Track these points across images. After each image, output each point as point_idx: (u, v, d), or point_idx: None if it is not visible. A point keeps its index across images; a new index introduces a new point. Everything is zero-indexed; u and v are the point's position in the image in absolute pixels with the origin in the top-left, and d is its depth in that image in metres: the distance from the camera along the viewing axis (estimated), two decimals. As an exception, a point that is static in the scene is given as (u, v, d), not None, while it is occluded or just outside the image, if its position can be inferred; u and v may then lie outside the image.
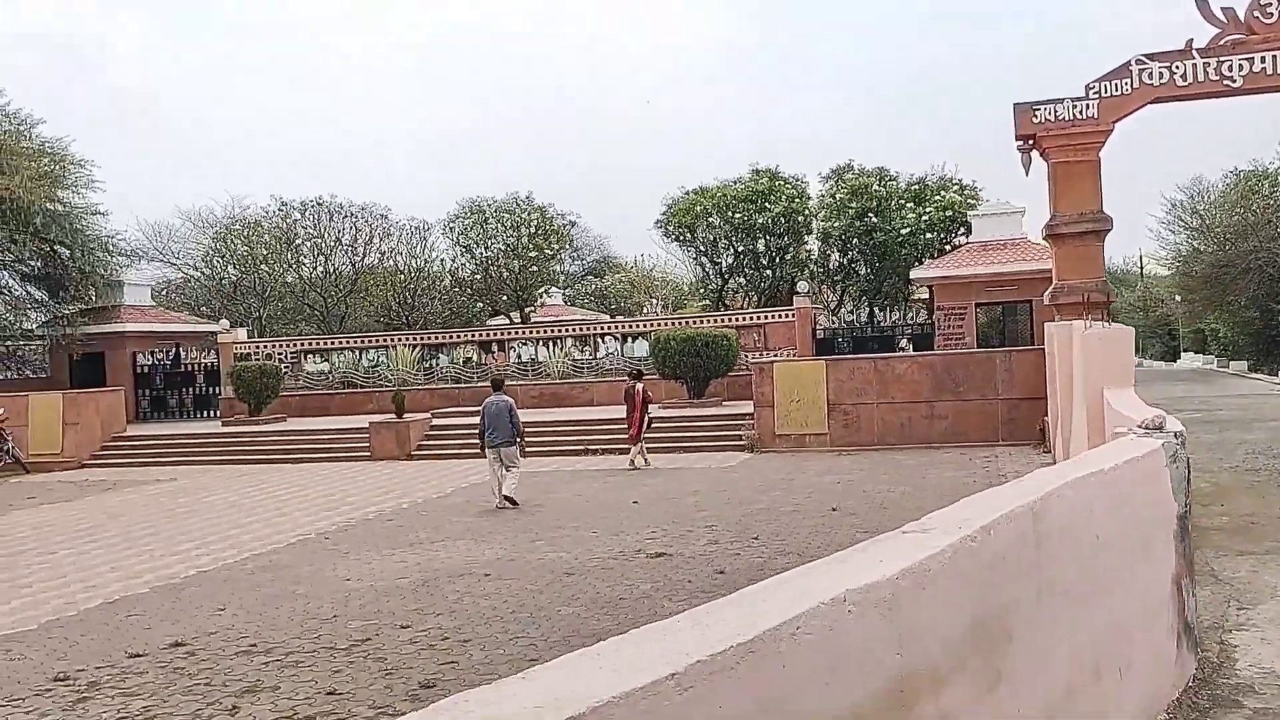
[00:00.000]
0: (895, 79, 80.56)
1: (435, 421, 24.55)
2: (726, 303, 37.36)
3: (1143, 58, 17.82)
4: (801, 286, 28.41)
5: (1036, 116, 18.29)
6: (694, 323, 27.64)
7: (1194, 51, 17.57)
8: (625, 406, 20.02)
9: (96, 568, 12.55)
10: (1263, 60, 17.20)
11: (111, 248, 32.43)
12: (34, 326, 32.33)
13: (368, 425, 23.66)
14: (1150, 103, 17.97)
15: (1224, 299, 35.89)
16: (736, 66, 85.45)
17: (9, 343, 31.96)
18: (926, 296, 33.09)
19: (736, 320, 28.09)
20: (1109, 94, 17.93)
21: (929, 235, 31.02)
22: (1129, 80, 17.83)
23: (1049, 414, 18.15)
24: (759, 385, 20.98)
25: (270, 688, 7.60)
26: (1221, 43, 17.49)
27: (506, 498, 15.22)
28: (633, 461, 19.31)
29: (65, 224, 29.77)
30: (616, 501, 15.52)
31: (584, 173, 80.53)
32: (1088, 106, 18.02)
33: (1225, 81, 17.41)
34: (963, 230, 31.33)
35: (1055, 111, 18.18)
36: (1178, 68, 17.57)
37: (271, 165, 77.65)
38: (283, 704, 7.25)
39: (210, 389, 32.12)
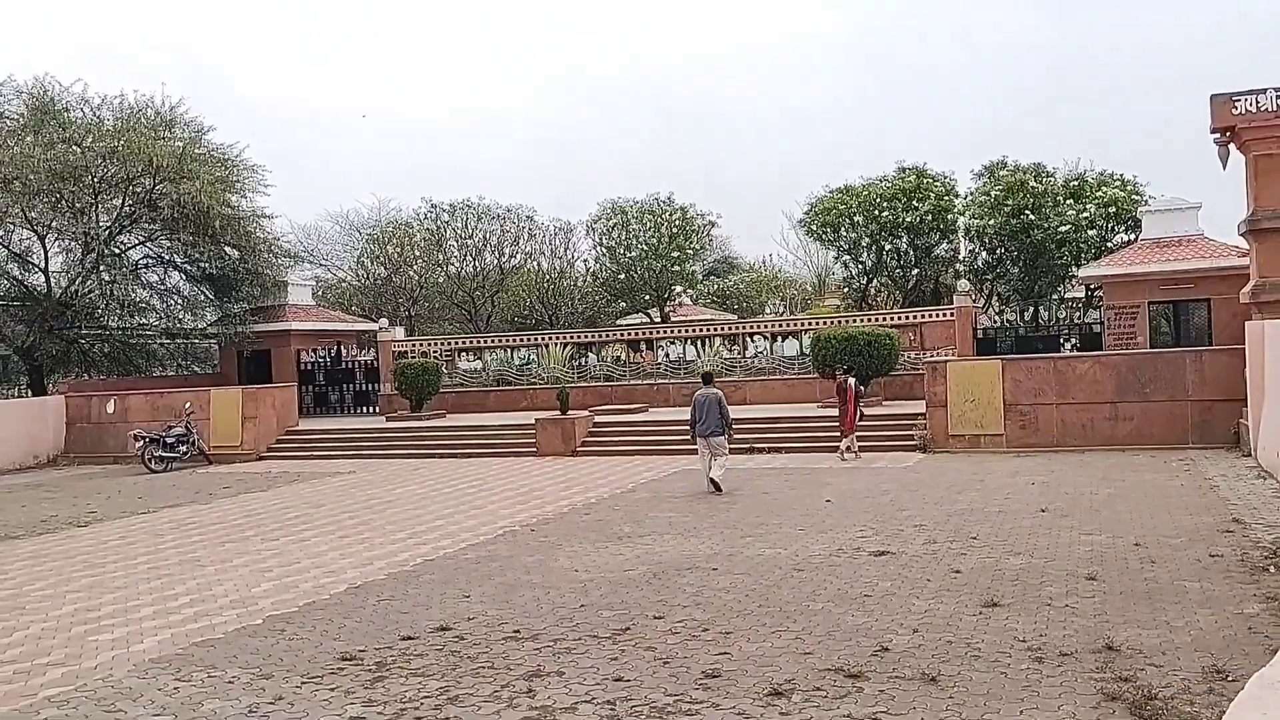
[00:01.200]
0: (1042, 71, 78.49)
1: (597, 418, 24.87)
2: (870, 302, 36.97)
3: (1354, 44, 17.00)
4: (962, 285, 27.91)
5: (1236, 108, 17.71)
6: (848, 322, 27.40)
7: None
8: (837, 400, 20.69)
9: (325, 554, 13.09)
10: None
11: (277, 249, 33.74)
12: (205, 325, 33.84)
13: (534, 421, 24.10)
14: (1361, 92, 17.19)
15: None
16: (868, 59, 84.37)
17: (183, 340, 33.52)
18: (1083, 295, 32.22)
19: (892, 320, 27.77)
20: (1316, 84, 17.21)
21: (1090, 233, 30.15)
22: (1338, 68, 17.04)
23: (1249, 416, 17.51)
24: (931, 385, 20.71)
25: (554, 672, 7.83)
26: None
27: (713, 481, 16.30)
28: (843, 454, 19.89)
29: (238, 227, 31.09)
30: (808, 500, 15.51)
31: (704, 171, 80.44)
32: (1292, 97, 17.33)
33: None
34: (1125, 227, 30.39)
35: (1257, 102, 17.59)
36: (1393, 54, 16.71)
37: (413, 170, 79.48)
38: (575, 688, 7.46)
39: (370, 385, 33.17)
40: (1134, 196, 30.21)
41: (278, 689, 7.80)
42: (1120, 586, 9.44)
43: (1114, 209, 29.85)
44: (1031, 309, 28.02)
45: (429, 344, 33.14)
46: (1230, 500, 13.62)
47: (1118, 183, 30.84)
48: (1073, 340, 25.95)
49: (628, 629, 8.94)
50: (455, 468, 22.22)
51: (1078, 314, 28.42)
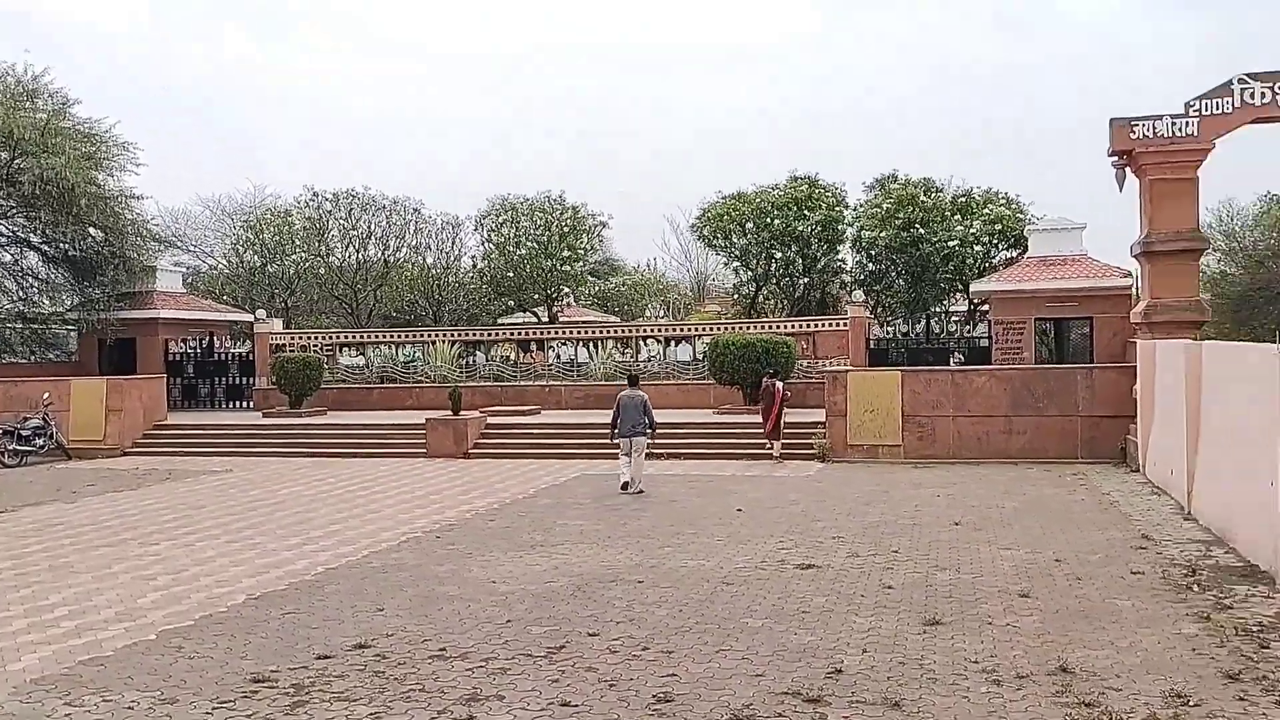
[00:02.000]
0: (935, 88, 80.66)
1: (490, 420, 24.17)
2: (758, 310, 37.15)
3: (1245, 77, 17.77)
4: (856, 296, 28.20)
5: (1134, 132, 18.22)
6: (744, 329, 27.36)
7: (1296, 74, 17.51)
8: (762, 403, 20.99)
9: (214, 560, 12.15)
10: (1366, 86, 17.15)
11: (145, 232, 31.81)
12: (64, 310, 31.68)
13: (424, 421, 23.24)
14: (1251, 122, 17.93)
15: (1253, 322, 35.95)
16: (757, 69, 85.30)
17: (37, 325, 31.31)
18: (966, 310, 33.03)
19: (786, 328, 27.87)
20: (1210, 112, 17.87)
21: (976, 248, 30.91)
22: (1230, 99, 17.80)
23: (1137, 433, 18.03)
24: (831, 394, 20.75)
25: (494, 696, 7.29)
26: (1325, 66, 17.41)
27: (629, 482, 16.74)
28: (778, 458, 20.52)
29: (104, 207, 29.14)
30: (717, 508, 15.24)
31: (588, 170, 79.99)
32: (1188, 124, 17.97)
33: (1328, 105, 17.35)
34: (1008, 244, 31.25)
35: (1154, 128, 18.12)
36: (1280, 89, 17.50)
37: (294, 156, 76.54)
38: (520, 713, 6.94)
39: (244, 379, 31.59)
40: (1019, 215, 31.11)
41: (185, 716, 7.03)
42: (1055, 604, 9.40)
43: (999, 226, 30.66)
44: (923, 321, 28.50)
45: (309, 337, 31.80)
46: (1132, 517, 13.90)
47: (1003, 201, 31.71)
48: (960, 354, 26.49)
49: (563, 647, 8.44)
50: (342, 468, 21.22)
51: (965, 328, 29.05)
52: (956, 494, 16.18)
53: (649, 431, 16.99)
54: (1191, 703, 6.84)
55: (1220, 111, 17.84)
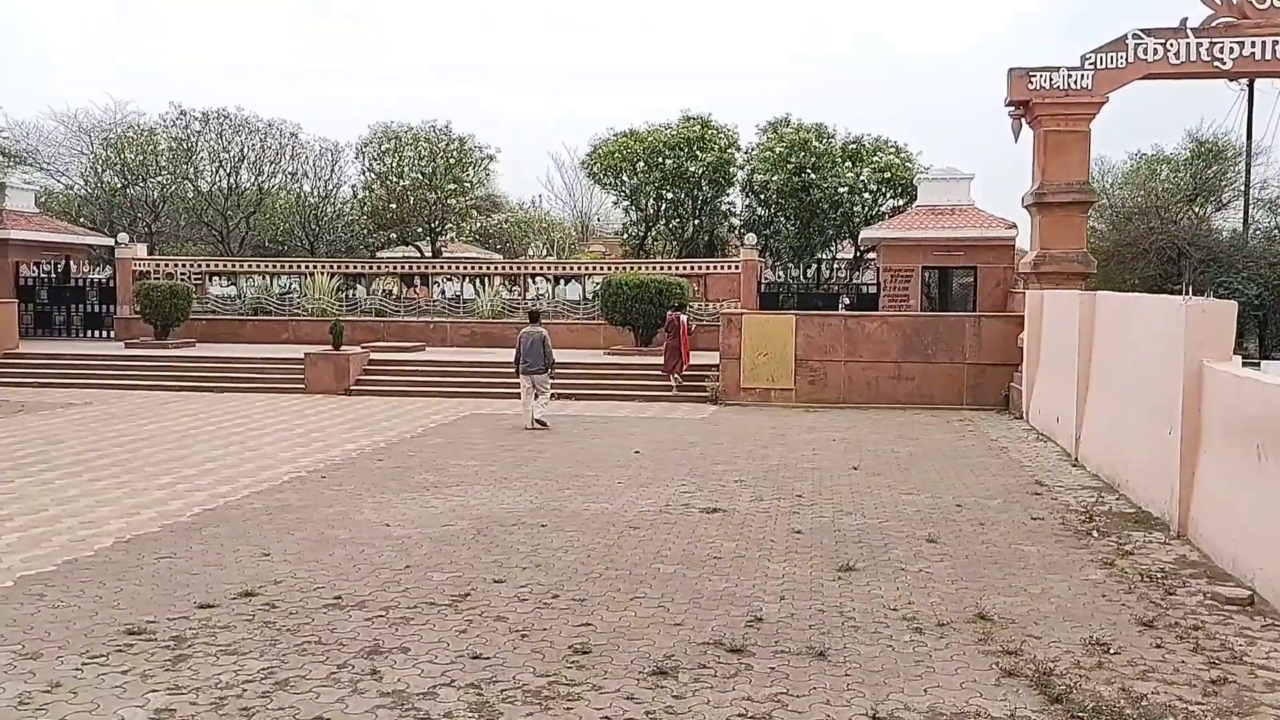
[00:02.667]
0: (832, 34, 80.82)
1: (373, 355, 23.27)
2: (646, 251, 36.77)
3: (1139, 32, 18.02)
4: (749, 239, 28.02)
5: (1031, 83, 18.35)
6: (635, 269, 26.95)
7: (1188, 31, 17.88)
8: (667, 337, 21.29)
9: (76, 500, 11.24)
10: (1253, 45, 17.63)
11: (-9, 146, 29.45)
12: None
13: (302, 356, 22.21)
14: (1143, 78, 18.24)
15: (1122, 279, 37.26)
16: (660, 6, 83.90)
17: None
18: (852, 256, 33.32)
19: (678, 269, 27.57)
20: (1105, 66, 18.11)
21: (864, 196, 31.08)
22: (1125, 54, 18.04)
23: (1022, 380, 18.38)
24: (726, 337, 20.58)
25: (397, 649, 6.82)
26: (1214, 24, 17.84)
27: (538, 420, 16.86)
28: (676, 389, 20.90)
29: (-53, 115, 26.74)
30: (615, 450, 14.91)
31: (475, 104, 77.82)
32: (1083, 77, 18.17)
33: (1216, 63, 17.80)
34: (895, 193, 31.53)
35: (1050, 79, 18.27)
36: (1171, 45, 17.86)
37: (158, 69, 71.83)
38: (427, 667, 6.50)
39: (104, 307, 29.68)
40: (907, 164, 31.37)
41: (52, 673, 6.36)
42: (963, 550, 9.38)
43: (888, 174, 30.87)
44: (814, 266, 28.58)
45: (176, 265, 30.04)
46: (1023, 463, 14.12)
47: (892, 149, 31.91)
48: (849, 299, 26.65)
49: (467, 595, 8.00)
50: (214, 403, 20.12)
51: (852, 274, 29.26)
52: (851, 438, 16.22)
53: (549, 369, 17.09)
54: (1111, 650, 6.82)
55: (1114, 66, 18.09)
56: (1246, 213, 35.44)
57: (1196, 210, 36.78)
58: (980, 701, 6.03)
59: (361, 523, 10.34)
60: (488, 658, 6.68)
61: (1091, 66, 18.12)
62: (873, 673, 6.46)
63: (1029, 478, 12.99)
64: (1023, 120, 18.97)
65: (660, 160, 33.92)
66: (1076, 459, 14.04)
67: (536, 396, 17.00)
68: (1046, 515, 10.84)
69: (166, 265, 29.76)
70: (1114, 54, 18.03)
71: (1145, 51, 17.97)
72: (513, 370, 17.51)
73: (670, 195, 34.74)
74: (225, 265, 30.30)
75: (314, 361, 21.98)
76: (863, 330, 20.17)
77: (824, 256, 32.93)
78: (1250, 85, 35.36)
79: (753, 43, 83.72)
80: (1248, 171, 35.23)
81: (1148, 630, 7.23)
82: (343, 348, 22.55)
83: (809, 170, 31.04)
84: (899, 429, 17.21)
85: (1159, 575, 8.56)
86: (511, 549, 9.36)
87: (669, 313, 21.73)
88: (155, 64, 72.74)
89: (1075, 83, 18.12)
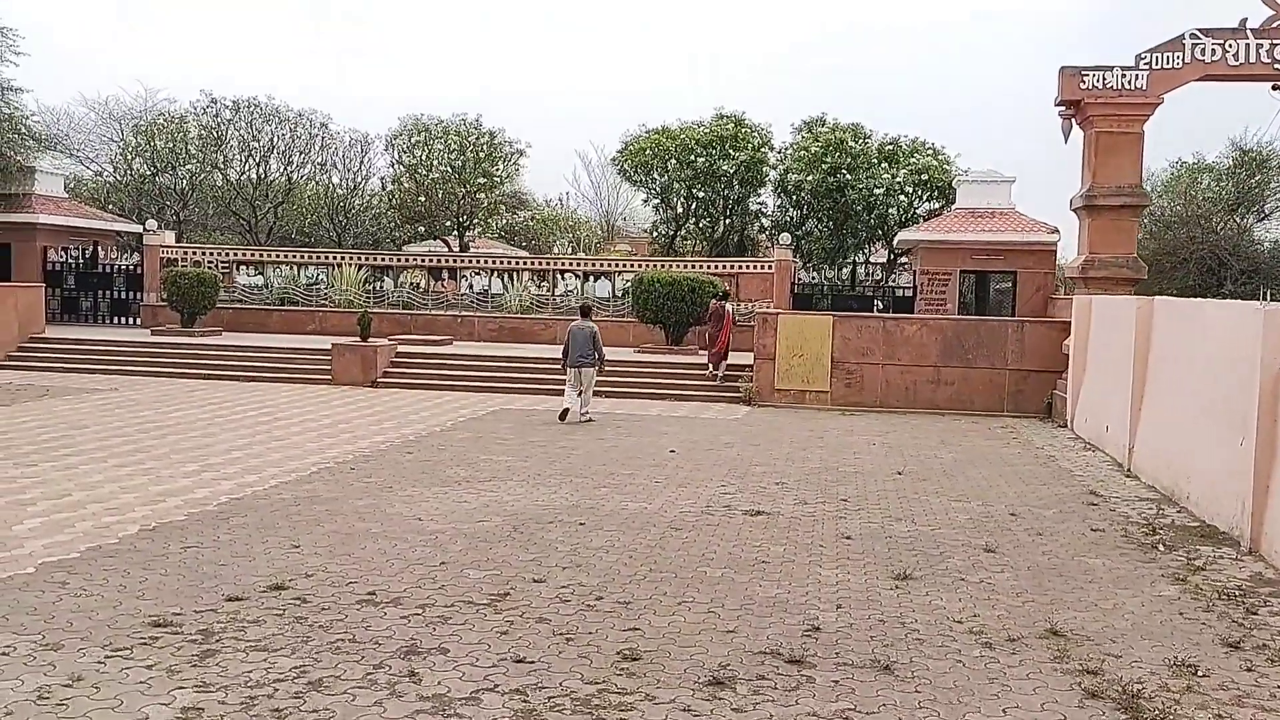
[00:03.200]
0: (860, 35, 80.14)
1: (400, 348, 22.95)
2: (676, 250, 36.37)
3: (1197, 32, 17.50)
4: (783, 239, 27.56)
5: (1084, 82, 17.85)
6: (666, 267, 26.53)
7: (1248, 31, 17.33)
8: (711, 326, 21.43)
9: (100, 486, 10.92)
10: (1315, 48, 17.01)
11: (24, 129, 29.29)
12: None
13: (330, 347, 21.92)
14: (1200, 79, 17.71)
15: (1161, 288, 36.59)
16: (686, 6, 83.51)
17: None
18: (885, 259, 32.80)
19: (709, 268, 27.14)
20: (1160, 66, 17.59)
21: (900, 198, 30.57)
22: (1181, 54, 17.52)
23: (1067, 388, 17.87)
24: (761, 337, 20.14)
25: (436, 649, 6.44)
26: (1275, 25, 17.27)
27: (567, 410, 16.85)
28: (716, 377, 20.95)
29: (-22, 96, 26.68)
30: (649, 449, 14.51)
31: (508, 101, 77.62)
32: (1137, 77, 17.66)
33: (1276, 65, 17.24)
34: (931, 196, 31.01)
35: (1103, 79, 17.77)
36: (1230, 46, 17.34)
37: (189, 57, 71.81)
38: (468, 670, 6.11)
39: (131, 294, 29.51)
40: (945, 166, 30.84)
41: (73, 665, 6.01)
42: (1023, 561, 8.92)
43: (925, 177, 30.35)
44: (849, 268, 28.10)
45: (204, 253, 29.85)
46: (1073, 472, 13.62)
47: (930, 151, 31.38)
48: (883, 303, 26.16)
49: (506, 594, 7.61)
50: (239, 392, 19.85)
51: (886, 277, 28.76)
52: (892, 442, 15.75)
53: (600, 363, 17.17)
54: (1199, 672, 6.37)
55: (1170, 66, 17.56)
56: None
57: (1238, 220, 36.12)
58: (1065, 725, 5.59)
59: (393, 516, 9.97)
60: (531, 662, 6.29)
61: (1146, 66, 17.60)
62: (944, 690, 6.03)
63: (1082, 487, 12.50)
64: (1073, 121, 18.46)
65: (692, 158, 33.53)
66: (1130, 469, 13.53)
67: (580, 393, 16.99)
68: (1106, 527, 10.36)
69: (194, 253, 29.57)
70: (1170, 54, 17.51)
71: (1203, 52, 17.43)
72: (554, 365, 17.99)
73: (701, 194, 34.35)
74: (252, 254, 30.10)
75: (341, 352, 21.68)
76: (901, 333, 19.69)
77: (857, 259, 32.42)
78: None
79: (785, 42, 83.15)
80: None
81: (1235, 652, 6.76)
82: (370, 339, 22.23)
83: (844, 170, 30.58)
84: (940, 435, 16.73)
85: (1236, 593, 8.08)
86: (550, 547, 8.97)
87: (713, 302, 21.87)
88: (176, 55, 72.66)
89: (1129, 83, 17.61)
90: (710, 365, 21.10)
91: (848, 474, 12.99)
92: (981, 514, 10.82)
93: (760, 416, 18.47)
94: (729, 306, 21.57)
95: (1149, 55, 17.61)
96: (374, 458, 13.23)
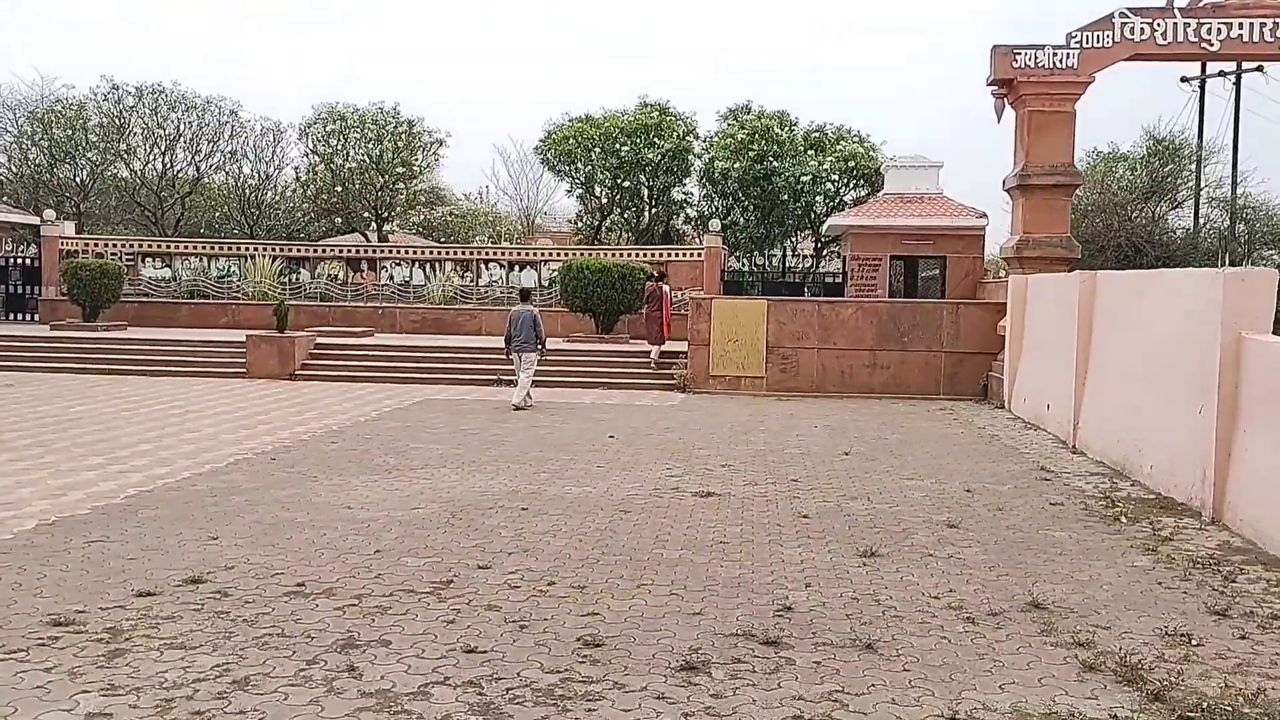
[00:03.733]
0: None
1: (319, 340, 22.01)
2: (601, 240, 35.79)
3: (1126, 11, 17.51)
4: (714, 225, 27.16)
5: (1016, 61, 17.76)
6: (593, 255, 25.95)
7: (1176, 11, 17.38)
8: (650, 308, 21.12)
9: (-6, 481, 10.00)
10: (1241, 26, 17.16)
11: (-92, 115, 27.52)
12: None
13: (245, 339, 20.90)
14: (1129, 58, 17.74)
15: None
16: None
17: None
18: (813, 247, 32.67)
19: (636, 255, 26.63)
20: (1091, 45, 17.56)
21: (827, 185, 30.43)
22: (1111, 33, 17.51)
23: (1004, 369, 17.76)
24: (694, 322, 19.70)
25: (376, 641, 5.82)
26: (1202, 5, 17.35)
27: (523, 403, 16.55)
28: (654, 362, 20.61)
29: None
30: (588, 436, 13.94)
31: (422, 89, 76.16)
32: (1068, 56, 17.62)
33: (1204, 44, 17.34)
34: (857, 184, 30.93)
35: (1035, 58, 17.71)
36: (1159, 25, 17.37)
37: (91, 44, 68.82)
38: (414, 663, 5.50)
39: (28, 288, 27.95)
40: (871, 154, 30.77)
41: (-43, 672, 5.24)
42: (989, 536, 8.57)
43: (852, 164, 30.24)
44: (779, 256, 27.83)
45: (107, 245, 28.38)
46: (1019, 449, 13.42)
47: (855, 139, 31.30)
48: (813, 289, 25.93)
49: (450, 582, 7.00)
50: (147, 386, 18.76)
51: (815, 264, 28.57)
52: (834, 425, 15.42)
53: (540, 348, 16.91)
54: (1194, 642, 6.04)
55: (1100, 45, 17.54)
56: (1197, 211, 35.53)
57: (1153, 209, 36.80)
58: (1068, 700, 5.18)
59: (320, 505, 9.26)
60: (484, 652, 5.70)
61: (1078, 45, 17.56)
62: (934, 667, 5.59)
63: (1031, 464, 12.27)
64: (1005, 100, 18.36)
65: (616, 147, 32.97)
66: (1075, 446, 13.36)
67: (521, 374, 16.77)
68: (1065, 501, 10.10)
69: (96, 245, 28.10)
70: (1100, 32, 17.49)
71: (1132, 31, 17.44)
72: (480, 354, 17.19)
73: (626, 184, 33.82)
74: (160, 246, 28.72)
75: (256, 344, 20.68)
76: (837, 317, 19.42)
77: (786, 247, 32.22)
78: (1202, 86, 35.61)
79: (709, 29, 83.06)
80: (1198, 170, 35.34)
81: (1224, 619, 6.46)
82: (287, 331, 21.26)
83: (771, 158, 30.31)
84: (881, 417, 16.46)
85: (1210, 561, 7.82)
86: (492, 533, 8.36)
87: (649, 283, 21.67)
88: (75, 42, 69.69)
89: (1060, 62, 17.55)
90: (652, 350, 20.76)
91: (794, 455, 12.58)
92: (937, 491, 10.49)
93: (697, 402, 18.03)
94: (665, 287, 21.37)
95: (1079, 34, 17.58)
96: (296, 448, 12.44)
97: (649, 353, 20.79)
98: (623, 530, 8.55)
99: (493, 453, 12.31)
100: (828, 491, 10.35)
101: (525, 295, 17.99)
